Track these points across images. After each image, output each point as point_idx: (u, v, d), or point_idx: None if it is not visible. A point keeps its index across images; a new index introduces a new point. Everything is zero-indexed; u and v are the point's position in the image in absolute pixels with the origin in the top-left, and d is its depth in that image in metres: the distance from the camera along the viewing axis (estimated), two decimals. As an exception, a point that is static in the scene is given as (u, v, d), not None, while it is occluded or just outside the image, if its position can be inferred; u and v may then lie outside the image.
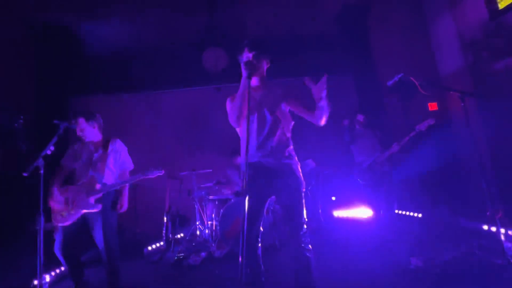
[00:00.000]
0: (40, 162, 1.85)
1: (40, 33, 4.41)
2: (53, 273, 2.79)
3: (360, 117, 3.53)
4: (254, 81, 1.72)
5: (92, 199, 2.08)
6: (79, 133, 2.28)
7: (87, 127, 2.29)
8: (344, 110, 5.03)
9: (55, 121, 2.08)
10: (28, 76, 4.42)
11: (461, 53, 4.32)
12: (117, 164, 2.33)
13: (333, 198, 4.62)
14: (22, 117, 3.90)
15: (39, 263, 1.69)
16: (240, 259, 1.17)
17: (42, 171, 1.83)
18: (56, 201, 2.13)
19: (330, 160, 4.06)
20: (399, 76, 2.39)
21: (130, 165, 2.44)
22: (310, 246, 1.59)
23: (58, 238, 2.10)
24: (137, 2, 4.78)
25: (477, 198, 3.59)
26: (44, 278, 2.55)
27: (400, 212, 4.00)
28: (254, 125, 1.67)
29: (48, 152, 1.94)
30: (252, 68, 1.51)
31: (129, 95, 5.05)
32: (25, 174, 1.77)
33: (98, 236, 2.07)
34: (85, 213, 2.09)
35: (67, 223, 2.07)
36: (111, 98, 5.05)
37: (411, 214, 4.04)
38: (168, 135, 5.35)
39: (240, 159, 1.75)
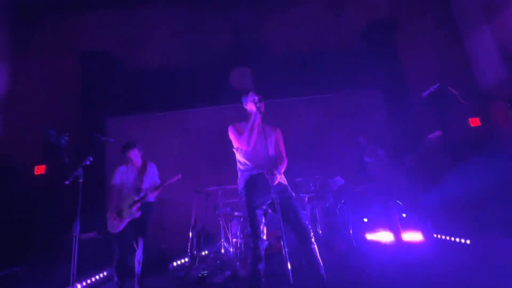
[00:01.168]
0: (80, 171, 1.97)
1: (85, 59, 4.94)
2: (88, 281, 2.87)
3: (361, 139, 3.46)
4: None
5: (134, 208, 2.69)
6: (133, 158, 2.94)
7: (138, 154, 2.97)
8: (373, 124, 4.87)
9: (95, 135, 2.24)
10: (74, 99, 4.91)
11: (502, 64, 4.04)
12: (151, 182, 2.99)
13: (365, 220, 4.32)
14: (67, 134, 4.28)
15: (73, 270, 1.74)
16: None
17: (81, 180, 1.94)
18: (115, 214, 2.70)
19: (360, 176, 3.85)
20: (435, 86, 2.27)
21: (157, 182, 3.06)
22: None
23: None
24: (170, 28, 5.23)
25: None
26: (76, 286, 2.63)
27: (439, 236, 3.58)
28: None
29: (87, 163, 2.07)
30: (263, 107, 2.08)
31: (160, 114, 5.35)
32: (66, 182, 1.89)
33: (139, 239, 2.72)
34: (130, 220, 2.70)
35: (118, 230, 2.66)
36: (144, 117, 5.39)
37: (454, 239, 3.57)
38: (196, 151, 5.50)
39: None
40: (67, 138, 4.18)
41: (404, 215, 4.03)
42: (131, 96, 5.00)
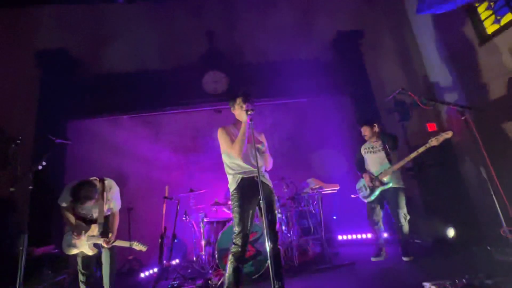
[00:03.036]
0: (30, 177, 1.77)
1: (43, 58, 4.54)
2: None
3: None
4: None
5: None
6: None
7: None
8: (343, 129, 5.08)
9: (48, 136, 2.04)
10: (31, 100, 4.48)
11: (454, 75, 4.46)
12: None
13: (334, 217, 4.45)
14: (20, 138, 3.87)
15: (18, 284, 1.54)
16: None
17: (31, 187, 1.74)
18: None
19: (332, 178, 3.96)
20: (397, 91, 2.42)
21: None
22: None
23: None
24: (140, 29, 5.04)
25: (485, 219, 3.45)
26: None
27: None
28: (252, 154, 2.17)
29: (39, 168, 1.87)
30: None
31: (128, 117, 5.08)
32: (10, 189, 1.69)
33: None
34: None
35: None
36: (110, 120, 5.08)
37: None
38: (167, 156, 5.29)
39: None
40: (19, 142, 3.80)
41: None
42: (96, 98, 4.68)
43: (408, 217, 3.06)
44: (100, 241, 2.46)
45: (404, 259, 3.00)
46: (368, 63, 5.08)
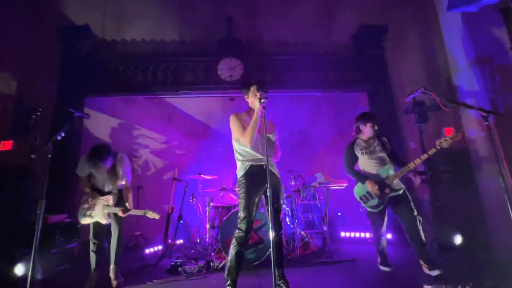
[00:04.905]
0: (49, 146, 1.84)
1: (65, 33, 4.63)
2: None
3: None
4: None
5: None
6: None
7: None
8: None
9: (69, 109, 2.10)
10: (52, 74, 4.60)
11: (480, 77, 4.25)
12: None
13: (339, 214, 4.44)
14: (40, 109, 4.01)
15: (34, 251, 1.63)
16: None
17: (50, 155, 1.82)
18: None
19: (341, 174, 3.92)
20: (419, 91, 2.34)
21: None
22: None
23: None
24: (161, 12, 5.04)
25: (496, 230, 3.35)
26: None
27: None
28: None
29: (58, 138, 1.94)
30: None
31: (144, 97, 5.16)
32: (32, 156, 1.76)
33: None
34: None
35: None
36: (126, 99, 5.17)
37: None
38: (178, 139, 5.38)
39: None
40: (40, 113, 3.94)
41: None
42: (114, 76, 4.76)
43: (421, 220, 2.62)
44: (116, 211, 2.56)
45: (434, 273, 2.44)
46: (389, 61, 4.91)
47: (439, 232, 3.53)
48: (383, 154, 2.74)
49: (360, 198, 2.79)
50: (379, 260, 2.84)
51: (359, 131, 2.86)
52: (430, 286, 2.18)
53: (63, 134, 1.97)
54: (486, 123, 2.05)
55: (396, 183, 2.66)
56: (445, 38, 4.87)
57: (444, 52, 4.88)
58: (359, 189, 2.79)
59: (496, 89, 4.08)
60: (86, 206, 2.56)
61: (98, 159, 2.42)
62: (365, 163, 2.78)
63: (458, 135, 2.38)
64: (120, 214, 2.55)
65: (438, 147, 2.45)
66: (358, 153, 2.82)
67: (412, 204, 2.62)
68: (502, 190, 1.89)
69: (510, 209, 1.84)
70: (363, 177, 2.72)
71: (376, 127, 2.78)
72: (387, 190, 2.63)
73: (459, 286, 2.07)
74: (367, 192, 2.71)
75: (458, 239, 3.34)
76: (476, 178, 4.02)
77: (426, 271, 2.48)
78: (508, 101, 3.91)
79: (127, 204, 2.64)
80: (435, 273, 2.42)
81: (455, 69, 4.69)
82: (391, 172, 2.67)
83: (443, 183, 3.75)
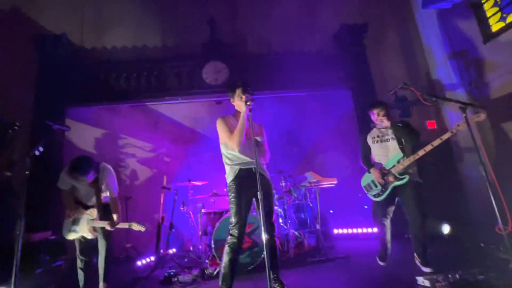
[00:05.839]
0: (27, 162, 1.76)
1: (42, 43, 4.46)
2: None
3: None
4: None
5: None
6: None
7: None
8: (343, 123, 5.07)
9: (47, 122, 2.01)
10: (29, 85, 4.42)
11: (457, 71, 4.42)
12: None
13: (331, 211, 4.48)
14: (17, 123, 3.84)
15: (15, 270, 1.55)
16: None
17: (27, 172, 1.73)
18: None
19: (330, 172, 3.97)
20: (400, 85, 2.40)
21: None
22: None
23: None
24: (142, 17, 4.96)
25: (480, 218, 3.49)
26: None
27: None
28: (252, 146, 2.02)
29: (36, 153, 1.85)
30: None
31: (127, 105, 5.04)
32: (7, 173, 1.67)
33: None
34: None
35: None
36: (109, 108, 5.03)
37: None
38: (165, 146, 5.28)
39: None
40: (18, 127, 3.76)
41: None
42: (95, 85, 4.63)
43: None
44: (104, 225, 2.47)
45: (426, 269, 2.42)
46: (371, 58, 5.02)
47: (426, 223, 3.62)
48: (394, 142, 2.61)
49: (364, 187, 2.78)
50: (378, 254, 2.75)
51: (371, 120, 2.82)
52: (421, 277, 2.23)
53: (41, 149, 1.88)
54: (464, 115, 2.13)
55: (402, 171, 2.53)
56: (422, 34, 5.05)
57: (422, 48, 5.06)
58: (365, 178, 2.78)
59: (471, 81, 4.26)
60: (69, 219, 2.45)
61: (79, 172, 2.32)
62: (376, 152, 2.73)
63: (482, 115, 2.18)
64: (108, 228, 2.46)
65: (455, 131, 2.28)
66: (370, 142, 2.77)
67: (419, 195, 2.50)
68: (483, 179, 1.96)
69: (491, 196, 1.91)
70: (369, 165, 2.71)
71: (382, 114, 2.66)
72: (391, 179, 2.56)
73: (449, 275, 2.12)
74: (372, 181, 2.70)
75: (446, 229, 3.44)
76: (459, 168, 4.18)
77: (418, 263, 2.51)
78: (483, 92, 4.09)
79: (114, 216, 2.55)
80: (427, 270, 2.41)
81: (433, 63, 4.87)
82: (400, 161, 2.55)
83: (427, 174, 3.86)
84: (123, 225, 2.53)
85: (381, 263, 2.73)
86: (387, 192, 2.60)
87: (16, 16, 4.74)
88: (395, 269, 2.67)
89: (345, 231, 4.47)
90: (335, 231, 4.49)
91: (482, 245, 3.01)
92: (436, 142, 2.35)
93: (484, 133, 3.85)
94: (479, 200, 3.64)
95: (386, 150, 2.65)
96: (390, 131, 2.67)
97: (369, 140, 2.78)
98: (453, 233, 3.43)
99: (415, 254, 2.55)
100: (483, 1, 4.18)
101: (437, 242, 3.36)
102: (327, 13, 5.22)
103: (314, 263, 3.14)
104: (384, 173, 2.60)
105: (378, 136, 2.73)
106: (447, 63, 4.57)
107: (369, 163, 2.73)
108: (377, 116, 2.69)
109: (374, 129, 2.81)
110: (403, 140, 2.58)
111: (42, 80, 4.43)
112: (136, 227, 2.52)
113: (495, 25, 4.04)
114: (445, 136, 2.31)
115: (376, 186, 2.68)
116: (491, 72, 4.00)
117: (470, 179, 4.06)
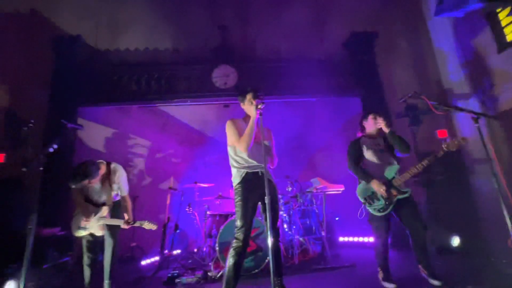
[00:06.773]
0: (41, 159, 1.81)
1: (58, 44, 4.61)
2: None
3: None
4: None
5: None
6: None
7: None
8: (351, 129, 5.02)
9: (61, 121, 2.08)
10: (44, 84, 4.55)
11: (469, 80, 4.35)
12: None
13: (337, 219, 4.42)
14: (32, 121, 3.96)
15: (26, 265, 1.58)
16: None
17: (41, 168, 1.78)
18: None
19: (337, 179, 3.93)
20: (410, 94, 2.38)
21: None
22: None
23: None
24: (154, 21, 5.08)
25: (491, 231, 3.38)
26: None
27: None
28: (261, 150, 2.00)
29: (51, 150, 1.91)
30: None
31: (137, 106, 5.14)
32: (23, 169, 1.73)
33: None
34: None
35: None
36: (120, 108, 5.14)
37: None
38: (173, 148, 5.34)
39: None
40: (32, 125, 3.88)
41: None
42: (107, 86, 4.74)
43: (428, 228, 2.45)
44: (119, 223, 2.52)
45: (435, 283, 2.33)
46: (381, 65, 5.00)
47: (435, 235, 3.54)
48: (389, 153, 2.55)
49: (365, 199, 2.54)
50: (381, 275, 2.53)
51: (363, 128, 2.71)
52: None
53: (55, 146, 1.94)
54: (477, 124, 2.09)
55: (403, 185, 2.46)
56: (434, 43, 4.99)
57: (433, 56, 5.00)
58: (362, 189, 2.55)
59: (485, 91, 4.17)
60: (82, 224, 2.50)
61: (81, 178, 2.34)
62: (370, 161, 2.56)
63: (466, 139, 2.28)
64: (124, 226, 2.51)
65: (446, 150, 2.30)
66: (363, 149, 2.60)
67: (418, 208, 2.45)
68: (496, 191, 1.91)
69: (504, 209, 1.86)
70: (368, 176, 2.49)
71: (380, 121, 2.55)
72: (394, 192, 2.42)
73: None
74: (372, 192, 2.50)
75: (456, 241, 3.35)
76: (470, 180, 4.08)
77: (424, 275, 2.42)
78: (497, 102, 4.00)
79: (126, 214, 2.58)
80: (435, 282, 2.32)
81: (445, 72, 4.80)
82: (397, 173, 2.48)
83: (438, 185, 3.79)
84: (136, 224, 2.57)
85: (390, 286, 2.44)
86: (392, 206, 2.44)
87: (35, 18, 4.92)
88: (401, 282, 2.60)
89: (350, 239, 4.40)
90: (341, 238, 4.43)
91: (493, 259, 2.93)
92: (432, 159, 2.37)
93: (497, 145, 3.76)
94: (491, 212, 3.54)
95: (383, 161, 2.53)
96: (382, 141, 2.61)
97: (362, 146, 2.62)
98: (462, 245, 3.34)
99: (421, 266, 2.46)
100: (498, 10, 4.12)
101: (446, 255, 3.28)
102: (338, 20, 5.24)
103: (318, 271, 3.10)
104: (387, 185, 2.43)
105: (371, 145, 2.61)
106: (460, 72, 4.49)
107: (365, 173, 2.53)
108: (373, 121, 2.59)
109: (364, 138, 2.69)
110: (396, 149, 2.53)
111: (58, 80, 4.56)
112: (147, 225, 2.55)
113: (511, 35, 3.97)
114: (439, 154, 2.34)
115: (378, 199, 2.48)
116: (505, 82, 3.92)
117: (481, 191, 3.95)
